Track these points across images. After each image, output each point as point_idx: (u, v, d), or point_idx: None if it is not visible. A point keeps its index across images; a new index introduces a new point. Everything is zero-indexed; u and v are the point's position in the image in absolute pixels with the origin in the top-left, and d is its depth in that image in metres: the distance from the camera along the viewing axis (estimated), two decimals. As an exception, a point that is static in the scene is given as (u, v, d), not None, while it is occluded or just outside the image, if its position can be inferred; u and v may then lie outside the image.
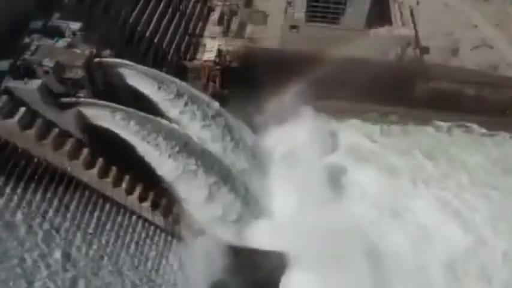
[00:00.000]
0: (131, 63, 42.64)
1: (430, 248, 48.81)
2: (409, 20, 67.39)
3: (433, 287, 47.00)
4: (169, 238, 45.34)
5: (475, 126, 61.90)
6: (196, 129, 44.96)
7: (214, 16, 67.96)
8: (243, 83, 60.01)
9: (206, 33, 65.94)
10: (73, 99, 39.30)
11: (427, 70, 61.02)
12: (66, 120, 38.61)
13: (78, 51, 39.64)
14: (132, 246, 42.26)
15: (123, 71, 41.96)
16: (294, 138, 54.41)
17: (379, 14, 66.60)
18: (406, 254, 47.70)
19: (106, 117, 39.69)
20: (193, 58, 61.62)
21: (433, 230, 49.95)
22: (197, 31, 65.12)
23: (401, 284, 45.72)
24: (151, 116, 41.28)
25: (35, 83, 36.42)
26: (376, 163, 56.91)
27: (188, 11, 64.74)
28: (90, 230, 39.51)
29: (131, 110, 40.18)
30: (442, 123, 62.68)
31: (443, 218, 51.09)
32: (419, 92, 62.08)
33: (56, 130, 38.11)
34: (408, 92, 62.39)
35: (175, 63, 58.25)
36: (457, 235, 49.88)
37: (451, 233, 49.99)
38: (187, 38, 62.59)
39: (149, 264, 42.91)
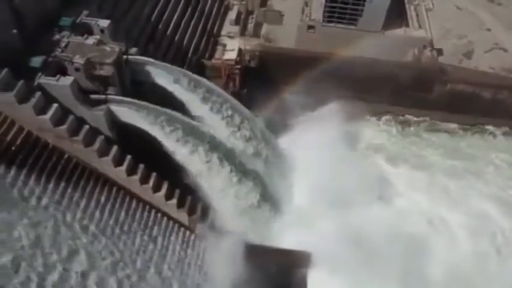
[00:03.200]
0: (159, 62, 42.95)
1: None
2: (426, 22, 67.53)
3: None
4: (193, 236, 45.42)
5: (491, 128, 62.38)
6: (222, 129, 45.07)
7: (232, 15, 67.91)
8: (261, 83, 60.42)
9: (223, 32, 65.92)
10: (102, 96, 39.44)
11: (445, 72, 61.31)
12: (96, 117, 38.63)
13: (107, 48, 39.71)
14: (158, 243, 42.38)
15: (151, 69, 42.12)
16: (313, 138, 54.57)
17: (396, 16, 66.72)
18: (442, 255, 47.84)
19: (135, 114, 39.83)
20: (211, 57, 61.62)
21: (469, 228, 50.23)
22: (215, 30, 65.12)
23: None
24: (180, 115, 41.47)
25: (67, 80, 36.46)
26: (397, 162, 57.19)
27: (206, 10, 64.75)
28: (117, 227, 39.64)
29: (160, 108, 40.34)
30: (458, 125, 63.17)
31: (478, 215, 51.38)
32: (437, 94, 62.44)
33: (87, 127, 38.10)
34: (425, 93, 62.78)
35: (194, 62, 58.25)
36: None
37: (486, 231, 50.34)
38: (205, 37, 62.58)
39: (173, 262, 42.98)
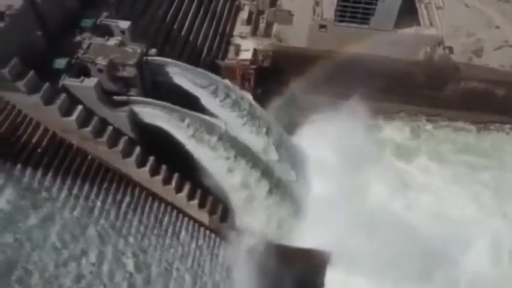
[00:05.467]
0: (179, 63, 42.95)
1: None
2: (437, 20, 67.60)
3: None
4: (213, 236, 45.50)
5: (506, 126, 62.54)
6: (241, 128, 45.06)
7: (243, 15, 67.92)
8: (274, 82, 60.50)
9: (235, 32, 65.92)
10: (125, 97, 39.44)
11: (458, 70, 61.43)
12: (119, 118, 38.64)
13: (129, 49, 39.71)
14: (180, 243, 42.45)
15: (171, 70, 42.12)
16: (328, 136, 54.70)
17: (407, 15, 66.73)
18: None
19: (157, 115, 39.86)
20: (224, 57, 61.63)
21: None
22: (227, 31, 65.13)
23: None
24: (201, 115, 41.46)
25: (92, 81, 36.48)
26: (413, 160, 57.63)
27: (218, 10, 64.79)
28: (141, 227, 39.71)
29: (182, 108, 40.38)
30: (472, 122, 63.42)
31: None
32: (450, 92, 62.59)
33: (110, 128, 38.11)
34: (438, 92, 62.90)
35: (208, 62, 58.24)
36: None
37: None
38: (218, 37, 62.61)
39: (195, 261, 43.06)
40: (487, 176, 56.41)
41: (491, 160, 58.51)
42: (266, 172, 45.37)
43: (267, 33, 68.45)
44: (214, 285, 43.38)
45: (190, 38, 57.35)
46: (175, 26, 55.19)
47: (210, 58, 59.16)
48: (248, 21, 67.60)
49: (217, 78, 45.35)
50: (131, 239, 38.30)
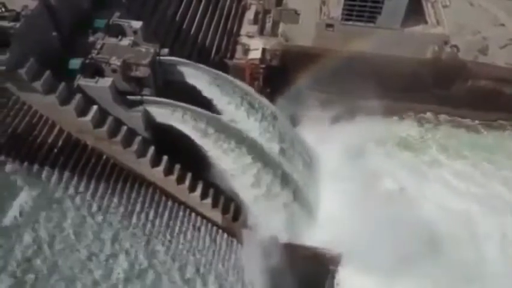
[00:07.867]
0: (191, 62, 43.09)
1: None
2: (443, 18, 67.73)
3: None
4: (225, 235, 45.63)
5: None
6: (253, 127, 45.19)
7: (250, 15, 67.97)
8: (282, 81, 60.57)
9: (242, 32, 66.00)
10: (138, 97, 39.52)
11: (466, 68, 61.54)
12: (133, 118, 38.71)
13: (142, 49, 39.80)
14: (193, 242, 42.58)
15: (184, 70, 42.26)
16: (337, 135, 54.95)
17: (413, 13, 66.82)
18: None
19: (170, 115, 39.95)
20: (232, 57, 61.71)
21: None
22: (234, 30, 65.21)
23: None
24: (215, 116, 41.61)
25: (106, 81, 36.54)
26: (420, 157, 57.90)
27: (225, 10, 64.86)
28: (155, 227, 39.84)
29: (195, 108, 40.49)
30: (479, 121, 63.60)
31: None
32: (457, 90, 62.68)
33: (125, 128, 38.18)
34: (446, 90, 63.02)
35: (217, 62, 58.30)
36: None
37: None
38: (225, 37, 62.68)
39: (208, 260, 43.17)
40: (494, 171, 56.54)
41: (498, 156, 58.63)
42: (277, 169, 45.43)
43: (274, 33, 68.42)
44: (228, 285, 43.48)
45: (199, 37, 57.49)
46: (184, 26, 55.31)
47: (218, 58, 59.21)
48: (255, 21, 67.69)
49: (230, 77, 45.50)
50: (143, 240, 38.37)
